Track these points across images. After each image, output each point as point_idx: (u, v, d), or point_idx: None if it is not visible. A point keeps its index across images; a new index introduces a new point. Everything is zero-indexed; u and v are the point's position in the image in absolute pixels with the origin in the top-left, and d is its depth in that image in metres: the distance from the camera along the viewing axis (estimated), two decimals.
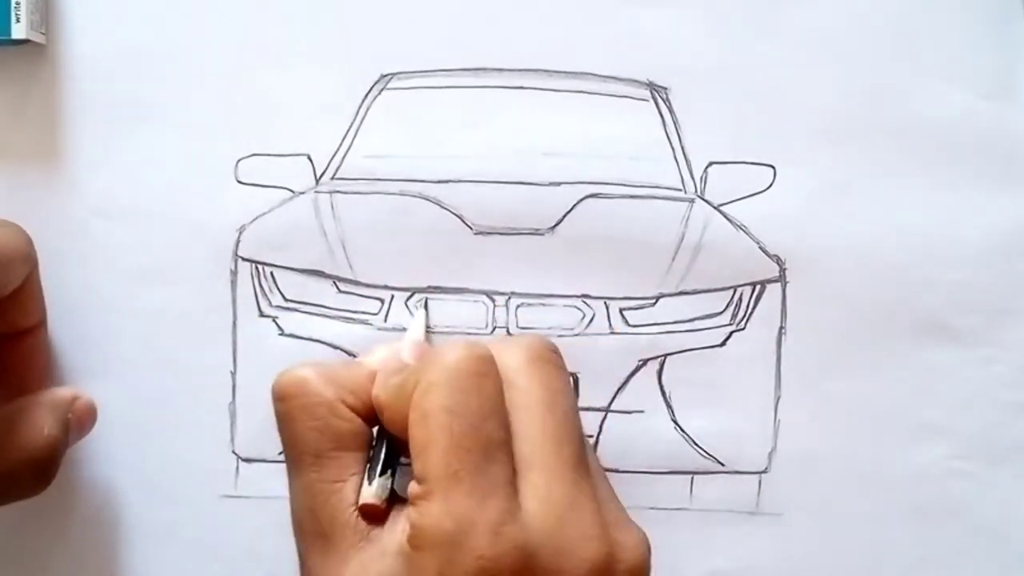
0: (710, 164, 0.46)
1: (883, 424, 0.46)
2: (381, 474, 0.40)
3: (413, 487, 0.38)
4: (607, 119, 0.46)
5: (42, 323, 0.45)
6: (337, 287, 0.46)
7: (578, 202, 0.45)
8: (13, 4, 0.44)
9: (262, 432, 0.45)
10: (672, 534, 0.43)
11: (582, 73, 0.46)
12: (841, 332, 0.46)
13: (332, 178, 0.46)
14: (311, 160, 0.46)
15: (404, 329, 0.45)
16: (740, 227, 0.45)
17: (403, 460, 0.40)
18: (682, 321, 0.45)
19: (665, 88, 0.46)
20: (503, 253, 0.45)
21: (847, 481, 0.46)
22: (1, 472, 0.41)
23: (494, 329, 0.45)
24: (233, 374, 0.46)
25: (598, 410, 0.45)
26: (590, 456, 0.41)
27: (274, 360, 0.45)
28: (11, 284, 0.42)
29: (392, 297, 0.45)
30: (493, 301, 0.45)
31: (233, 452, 0.46)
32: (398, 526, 0.38)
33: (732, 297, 0.45)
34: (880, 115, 0.46)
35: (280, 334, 0.46)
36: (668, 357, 0.45)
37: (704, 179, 0.46)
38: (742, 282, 0.45)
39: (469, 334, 0.45)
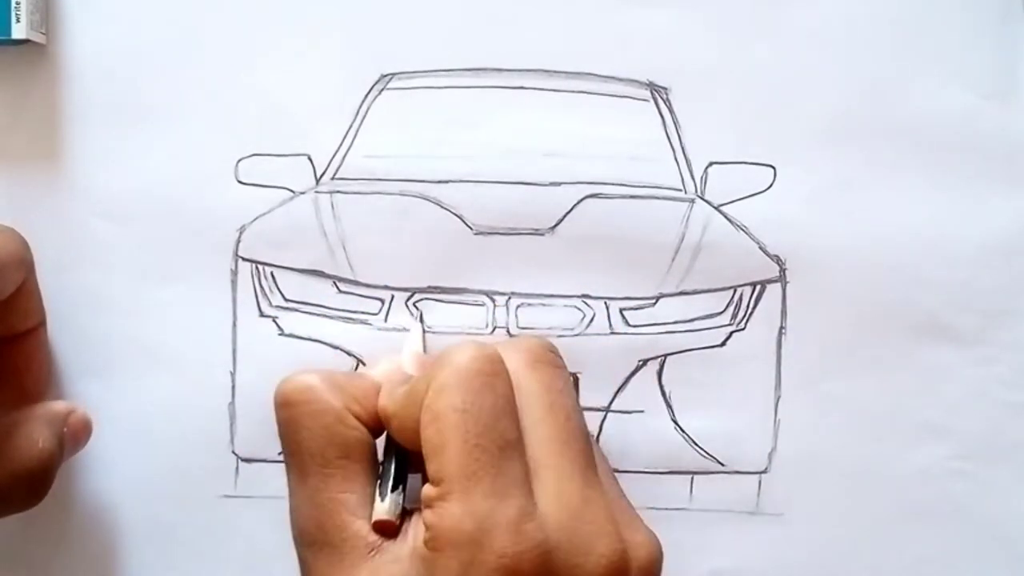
0: (710, 164, 0.46)
1: (883, 424, 0.46)
2: (393, 489, 0.40)
3: (428, 490, 0.38)
4: (607, 119, 0.46)
5: (41, 324, 0.45)
6: (337, 287, 0.46)
7: (578, 202, 0.45)
8: (13, 4, 0.43)
9: (262, 432, 0.45)
10: (672, 534, 0.42)
11: (582, 73, 0.46)
12: (841, 332, 0.46)
13: (332, 178, 0.46)
14: (311, 160, 0.46)
15: (404, 329, 0.45)
16: (740, 227, 0.45)
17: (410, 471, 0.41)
18: (682, 321, 0.45)
19: (665, 88, 0.46)
20: (503, 253, 0.45)
21: (847, 481, 0.46)
22: None
23: (494, 329, 0.45)
24: (233, 374, 0.46)
25: (598, 410, 0.45)
26: (598, 455, 0.41)
27: (274, 360, 0.45)
28: (7, 290, 0.42)
29: (392, 297, 0.45)
30: (493, 301, 0.45)
31: (233, 452, 0.46)
32: (410, 533, 0.38)
33: (732, 297, 0.45)
34: (880, 115, 0.46)
35: (280, 334, 0.46)
36: (668, 357, 0.45)
37: (704, 179, 0.46)
38: (742, 282, 0.45)
39: (469, 334, 0.45)
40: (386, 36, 0.46)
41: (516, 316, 0.45)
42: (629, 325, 0.45)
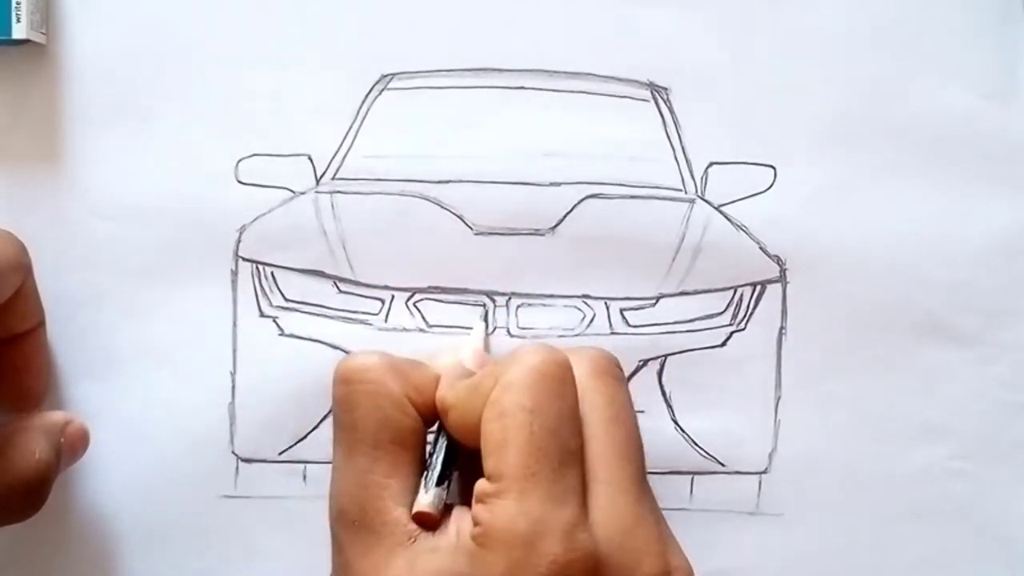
0: (710, 164, 0.46)
1: (883, 424, 0.46)
2: (438, 483, 0.39)
3: (483, 485, 0.38)
4: (607, 119, 0.46)
5: (40, 325, 0.45)
6: (337, 287, 0.46)
7: (578, 202, 0.45)
8: (13, 4, 0.43)
9: (262, 432, 0.45)
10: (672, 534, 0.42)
11: (582, 73, 0.46)
12: (841, 332, 0.46)
13: (333, 178, 0.46)
14: (311, 160, 0.46)
15: (404, 329, 0.45)
16: (740, 227, 0.46)
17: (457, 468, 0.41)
18: (682, 321, 0.45)
19: (666, 88, 0.46)
20: (503, 253, 0.45)
21: (847, 481, 0.46)
22: None
23: (494, 329, 0.45)
24: (233, 374, 0.46)
25: None
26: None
27: (274, 360, 0.45)
28: (5, 293, 0.42)
29: (392, 297, 0.45)
30: (493, 301, 0.45)
31: (233, 452, 0.46)
32: (450, 527, 0.38)
33: (732, 297, 0.45)
34: (880, 115, 0.46)
35: (280, 334, 0.46)
36: (668, 357, 0.45)
37: (704, 179, 0.46)
38: (742, 282, 0.45)
39: (469, 334, 0.45)
40: (386, 36, 0.46)
41: (516, 316, 0.45)
42: (629, 325, 0.45)
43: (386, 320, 0.46)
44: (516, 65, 0.46)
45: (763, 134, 0.46)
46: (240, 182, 0.46)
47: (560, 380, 0.38)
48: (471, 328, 0.45)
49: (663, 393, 0.46)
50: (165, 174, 0.46)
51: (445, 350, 0.44)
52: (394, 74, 0.46)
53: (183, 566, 0.46)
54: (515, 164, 0.46)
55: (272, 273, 0.46)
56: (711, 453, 0.46)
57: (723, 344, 0.46)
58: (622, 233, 0.45)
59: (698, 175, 0.46)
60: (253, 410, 0.45)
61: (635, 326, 0.45)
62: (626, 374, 0.45)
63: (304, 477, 0.45)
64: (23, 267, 0.42)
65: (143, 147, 0.46)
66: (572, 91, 0.46)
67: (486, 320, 0.45)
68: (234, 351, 0.46)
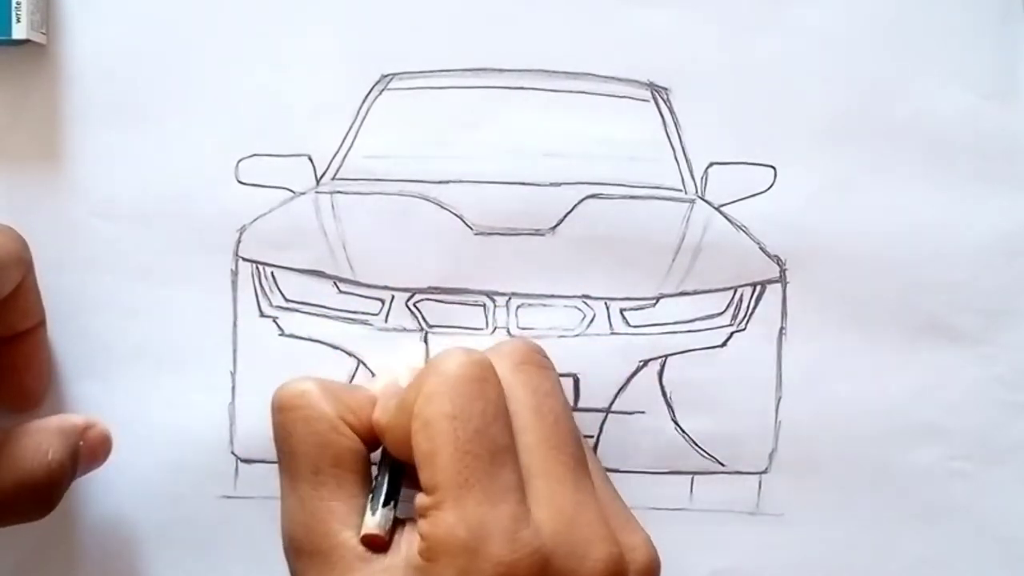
0: (711, 164, 0.46)
1: (883, 424, 0.46)
2: (384, 504, 0.39)
3: (421, 499, 0.38)
4: (607, 119, 0.46)
5: (41, 324, 0.44)
6: (338, 287, 0.46)
7: (578, 202, 0.45)
8: (13, 4, 0.43)
9: (262, 433, 0.45)
10: (672, 534, 0.43)
11: (582, 73, 0.46)
12: (841, 332, 0.46)
13: (333, 178, 0.46)
14: (312, 160, 0.46)
15: (405, 329, 0.45)
16: (741, 227, 0.46)
17: (405, 485, 0.40)
18: (683, 322, 0.45)
19: (666, 88, 0.46)
20: (503, 253, 0.45)
21: (847, 481, 0.46)
22: None
23: (495, 329, 0.45)
24: (233, 374, 0.46)
25: (599, 411, 0.45)
26: (590, 457, 0.41)
27: (274, 360, 0.45)
28: (5, 288, 0.41)
29: (392, 297, 0.45)
30: (493, 301, 0.45)
31: (232, 453, 0.46)
32: (401, 543, 0.38)
33: (733, 297, 0.45)
34: (881, 115, 0.46)
35: (280, 334, 0.46)
36: (669, 358, 0.45)
37: (705, 179, 0.46)
38: (743, 282, 0.45)
39: (469, 335, 0.45)
40: (386, 36, 0.46)
41: (516, 316, 0.45)
42: (630, 325, 0.45)
43: (386, 320, 0.46)
44: (516, 65, 0.46)
45: (763, 134, 0.46)
46: (240, 182, 0.46)
47: (480, 380, 0.38)
48: (413, 349, 0.45)
49: (663, 393, 0.46)
50: (165, 174, 0.46)
51: (384, 372, 0.44)
52: (394, 74, 0.46)
53: (183, 566, 0.46)
54: (515, 164, 0.46)
55: (272, 273, 0.46)
56: (711, 453, 0.46)
57: (723, 344, 0.46)
58: (622, 233, 0.45)
59: (698, 175, 0.46)
60: (253, 411, 0.45)
61: (635, 326, 0.45)
62: (627, 374, 0.45)
63: None
64: (24, 262, 0.42)
65: (143, 147, 0.46)
66: (572, 91, 0.46)
67: (426, 342, 0.45)
68: (234, 351, 0.46)
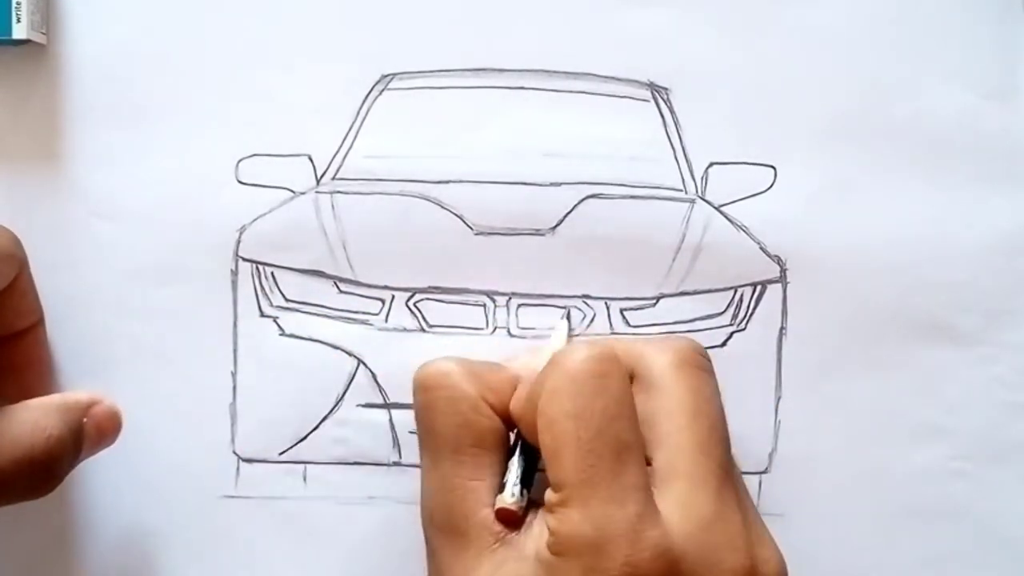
0: (711, 164, 0.46)
1: (883, 424, 0.46)
2: (520, 481, 0.40)
3: (550, 494, 0.38)
4: (608, 119, 0.46)
5: (39, 322, 0.44)
6: (338, 287, 0.46)
7: (579, 202, 0.45)
8: (14, 4, 0.43)
9: (262, 432, 0.45)
10: None
11: (582, 73, 0.46)
12: (841, 332, 0.46)
13: (333, 178, 0.46)
14: (312, 160, 0.46)
15: (405, 329, 0.45)
16: (741, 228, 0.46)
17: (540, 467, 0.40)
18: (683, 322, 0.45)
19: (666, 88, 0.46)
20: (503, 253, 0.45)
21: (847, 481, 0.46)
22: None
23: (495, 329, 0.45)
24: (233, 374, 0.46)
25: None
26: (733, 466, 0.40)
27: (274, 360, 0.45)
28: None
29: (393, 297, 0.45)
30: (494, 301, 0.45)
31: (233, 452, 0.46)
32: (535, 530, 0.38)
33: (733, 298, 0.45)
34: (881, 115, 0.46)
35: (281, 334, 0.46)
36: None
37: (705, 179, 0.46)
38: (743, 282, 0.45)
39: (469, 335, 0.45)
40: (386, 36, 0.46)
41: (517, 316, 0.45)
42: (630, 325, 0.45)
43: (386, 320, 0.46)
44: (516, 65, 0.46)
45: (763, 134, 0.46)
46: (240, 182, 0.46)
47: (601, 375, 0.38)
48: (557, 329, 0.45)
49: None
50: (165, 174, 0.46)
51: (524, 352, 0.44)
52: (394, 74, 0.46)
53: (183, 566, 0.46)
54: (515, 164, 0.46)
55: (272, 273, 0.46)
56: None
57: (723, 344, 0.46)
58: (622, 233, 0.45)
59: (698, 175, 0.46)
60: (253, 410, 0.45)
61: (635, 326, 0.45)
62: None
63: (304, 477, 0.45)
64: (17, 259, 0.42)
65: (143, 147, 0.46)
66: (572, 91, 0.46)
67: (569, 320, 0.45)
68: (234, 351, 0.46)
